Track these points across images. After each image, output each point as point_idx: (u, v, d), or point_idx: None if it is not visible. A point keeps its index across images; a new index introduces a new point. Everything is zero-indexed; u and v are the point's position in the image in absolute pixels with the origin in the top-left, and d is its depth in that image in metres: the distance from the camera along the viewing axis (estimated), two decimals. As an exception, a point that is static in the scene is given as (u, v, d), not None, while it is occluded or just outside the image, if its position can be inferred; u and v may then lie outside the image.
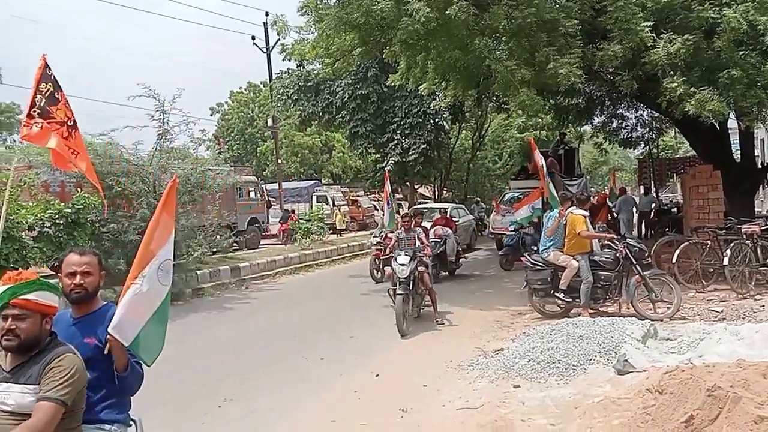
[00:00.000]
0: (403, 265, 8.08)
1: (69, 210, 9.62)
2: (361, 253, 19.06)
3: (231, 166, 17.59)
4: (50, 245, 9.43)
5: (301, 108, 20.34)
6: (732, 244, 9.01)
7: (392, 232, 11.80)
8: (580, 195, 9.25)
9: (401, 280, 8.00)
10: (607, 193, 19.06)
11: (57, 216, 9.48)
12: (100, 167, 11.01)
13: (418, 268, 8.30)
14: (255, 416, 5.33)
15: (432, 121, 20.10)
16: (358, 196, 32.95)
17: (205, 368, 6.92)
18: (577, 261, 8.06)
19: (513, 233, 13.88)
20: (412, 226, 9.04)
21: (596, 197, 16.72)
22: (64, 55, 78.83)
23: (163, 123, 12.15)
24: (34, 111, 4.29)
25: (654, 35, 8.59)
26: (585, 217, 8.31)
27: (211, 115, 47.21)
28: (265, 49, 26.48)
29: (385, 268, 11.78)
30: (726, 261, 8.82)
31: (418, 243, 8.71)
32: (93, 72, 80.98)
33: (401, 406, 5.22)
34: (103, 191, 10.92)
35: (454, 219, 14.95)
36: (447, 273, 13.02)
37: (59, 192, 12.34)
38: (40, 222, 9.31)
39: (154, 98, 11.84)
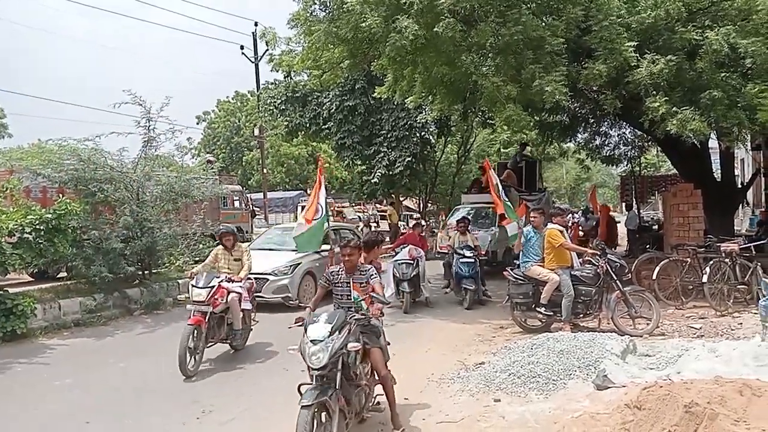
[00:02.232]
0: (317, 341, 4.31)
1: (50, 216, 9.49)
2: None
3: (216, 174, 17.56)
4: (30, 251, 9.28)
5: (288, 118, 20.38)
6: (711, 262, 9.14)
7: (232, 280, 7.44)
8: (555, 209, 9.31)
9: (315, 371, 4.32)
10: (610, 207, 18.91)
11: (37, 222, 9.33)
12: (83, 173, 10.93)
13: (349, 346, 4.40)
14: (232, 428, 5.29)
15: (418, 135, 20.20)
16: (343, 207, 32.91)
17: (183, 379, 6.84)
18: (558, 275, 8.12)
19: (470, 259, 10.84)
20: (362, 261, 5.51)
21: (600, 210, 16.78)
22: (50, 58, 78.30)
23: (148, 130, 12.07)
24: None
25: (638, 55, 8.74)
26: (561, 231, 8.40)
27: (198, 123, 47.19)
28: (253, 59, 26.52)
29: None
30: (705, 278, 8.95)
31: (368, 292, 5.05)
32: (80, 77, 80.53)
33: (381, 420, 5.20)
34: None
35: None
36: (413, 301, 10.90)
37: (41, 197, 12.21)
38: (20, 228, 9.17)
39: (140, 105, 11.77)
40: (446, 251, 12.96)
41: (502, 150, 30.50)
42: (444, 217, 16.62)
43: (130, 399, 6.18)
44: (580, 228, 17.10)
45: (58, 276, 13.00)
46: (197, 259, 13.21)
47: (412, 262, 10.77)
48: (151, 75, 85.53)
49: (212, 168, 14.62)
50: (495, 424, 4.94)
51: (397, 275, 10.67)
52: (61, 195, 10.79)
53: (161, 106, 11.89)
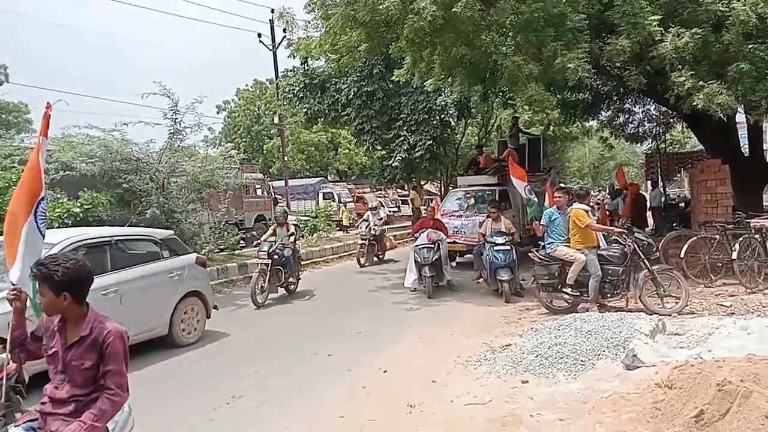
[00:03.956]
0: None
1: (77, 209, 9.65)
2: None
3: (239, 163, 17.72)
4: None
5: (307, 106, 20.37)
6: (741, 239, 8.98)
7: None
8: (579, 190, 9.16)
9: None
10: (639, 184, 18.53)
11: (65, 215, 9.50)
12: (111, 164, 11.07)
13: None
14: (263, 412, 5.35)
15: (438, 117, 20.04)
16: (364, 192, 33.06)
17: (213, 364, 6.96)
18: (585, 255, 8.05)
19: (504, 246, 9.93)
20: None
21: (629, 186, 16.39)
22: (71, 53, 79.20)
23: (175, 123, 12.21)
24: None
25: (662, 29, 8.54)
26: (587, 211, 8.32)
27: (218, 113, 47.51)
28: (271, 47, 26.52)
29: None
30: (735, 255, 8.79)
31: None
32: (100, 70, 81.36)
33: (409, 402, 5.22)
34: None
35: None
36: (436, 285, 10.73)
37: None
38: (49, 221, 9.33)
39: (168, 97, 11.92)
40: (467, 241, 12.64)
41: (524, 130, 30.22)
42: (436, 205, 14.64)
43: (159, 385, 6.30)
44: (606, 208, 16.88)
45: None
46: (222, 247, 13.38)
47: (432, 246, 10.65)
48: (170, 65, 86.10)
49: (234, 160, 14.68)
50: (524, 405, 4.92)
51: (419, 260, 10.63)
52: (86, 189, 10.96)
53: (191, 104, 12.06)
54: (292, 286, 11.27)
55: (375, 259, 15.69)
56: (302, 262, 12.69)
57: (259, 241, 11.38)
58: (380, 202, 32.19)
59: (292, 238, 11.17)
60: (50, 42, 76.84)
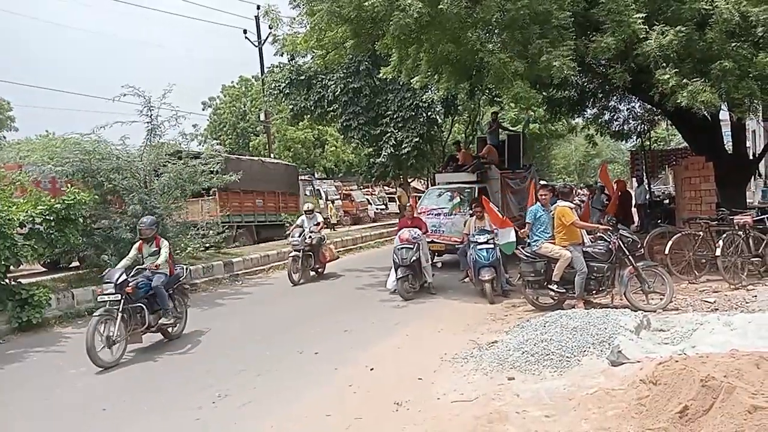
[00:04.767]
0: None
1: (59, 206, 9.53)
2: (354, 247, 19.28)
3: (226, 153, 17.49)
4: (41, 242, 9.34)
5: (293, 102, 20.28)
6: (724, 235, 9.06)
7: None
8: (563, 188, 9.16)
9: None
10: (625, 182, 18.58)
11: (47, 212, 9.38)
12: (89, 164, 10.98)
13: None
14: (248, 412, 5.32)
15: (425, 115, 20.05)
16: (351, 190, 33.06)
17: (198, 364, 6.90)
18: (570, 252, 8.09)
19: (488, 244, 9.74)
20: None
21: (616, 184, 16.37)
22: (50, 48, 78.24)
23: (152, 119, 12.10)
24: None
25: (646, 27, 8.57)
26: (572, 208, 8.36)
27: (203, 109, 47.20)
28: (256, 43, 26.40)
29: None
30: (718, 252, 8.86)
31: None
32: (82, 66, 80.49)
33: (396, 400, 5.21)
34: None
35: None
36: (415, 287, 10.37)
37: (50, 188, 12.27)
38: (31, 219, 9.21)
39: (139, 95, 11.81)
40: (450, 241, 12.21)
41: (510, 128, 30.34)
42: (414, 204, 13.77)
43: (146, 384, 6.24)
44: (592, 206, 16.94)
45: (70, 266, 13.14)
46: (207, 245, 13.29)
47: (411, 246, 10.22)
48: (155, 62, 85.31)
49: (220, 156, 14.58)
50: (510, 402, 4.93)
51: (396, 261, 10.27)
52: (69, 185, 10.85)
53: (164, 93, 11.92)
54: (171, 329, 7.90)
55: (312, 273, 13.00)
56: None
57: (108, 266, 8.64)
58: (367, 199, 32.19)
59: (162, 258, 7.68)
60: (28, 36, 75.88)
